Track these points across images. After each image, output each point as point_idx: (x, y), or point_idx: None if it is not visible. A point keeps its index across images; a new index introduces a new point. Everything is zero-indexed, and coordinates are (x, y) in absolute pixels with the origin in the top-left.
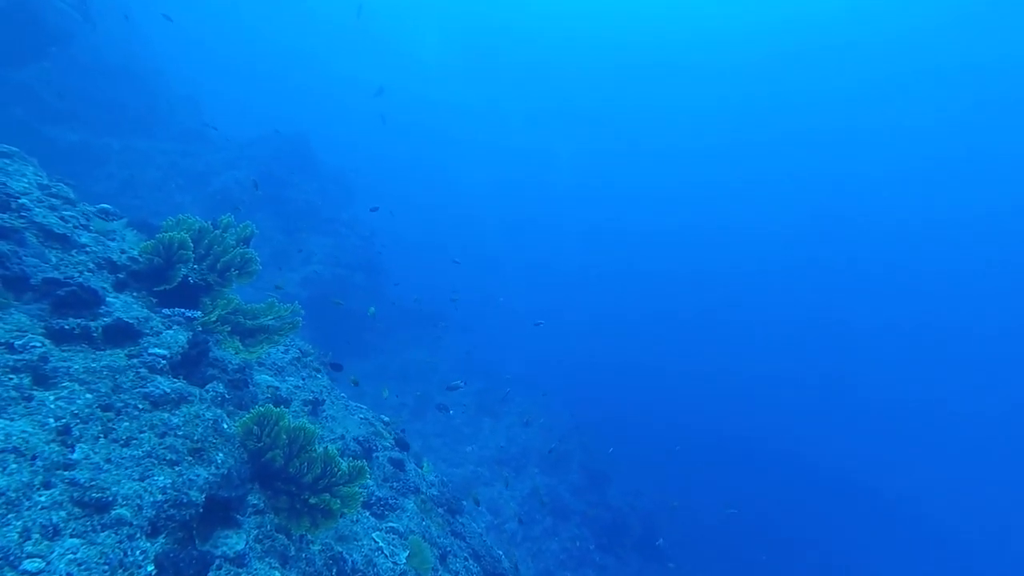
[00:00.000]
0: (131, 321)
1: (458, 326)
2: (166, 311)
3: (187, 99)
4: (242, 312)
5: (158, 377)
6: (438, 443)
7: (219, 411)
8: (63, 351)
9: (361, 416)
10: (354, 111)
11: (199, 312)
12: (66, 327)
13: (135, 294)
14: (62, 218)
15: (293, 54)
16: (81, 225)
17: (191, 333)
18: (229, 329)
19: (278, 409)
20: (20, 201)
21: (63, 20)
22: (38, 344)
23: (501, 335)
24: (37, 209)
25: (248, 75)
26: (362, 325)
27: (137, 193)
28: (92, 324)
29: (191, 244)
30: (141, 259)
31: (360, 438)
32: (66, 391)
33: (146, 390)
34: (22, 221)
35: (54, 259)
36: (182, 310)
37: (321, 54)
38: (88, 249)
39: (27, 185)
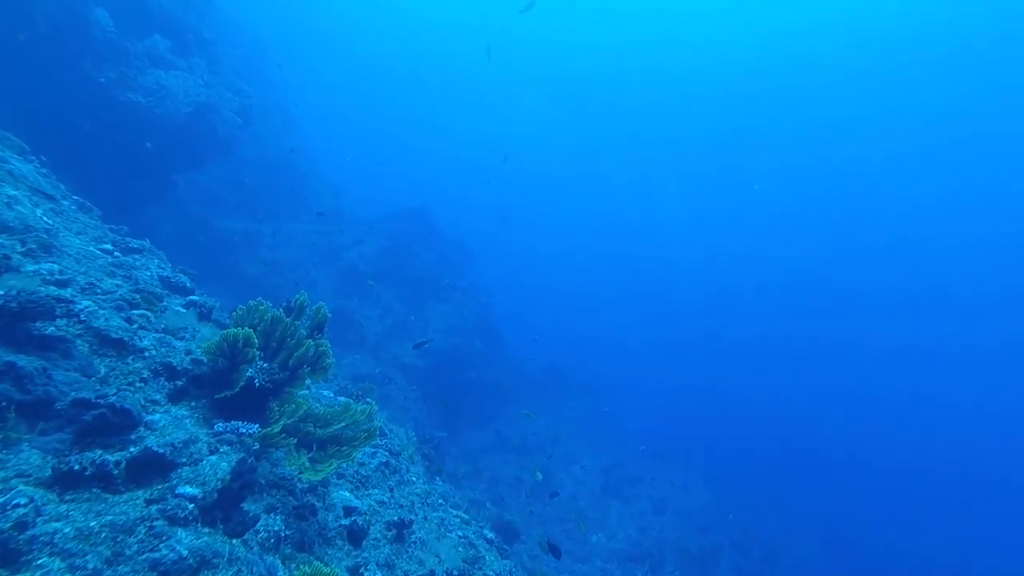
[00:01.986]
0: (162, 451)
1: (583, 389)
2: (219, 426)
3: (329, 183)
4: (312, 418)
5: (178, 531)
6: (560, 531)
7: (271, 560)
8: (64, 503)
9: (459, 535)
10: (472, 165)
11: (256, 426)
12: (76, 468)
13: (193, 404)
14: (128, 319)
15: (413, 116)
16: (147, 326)
17: (240, 456)
18: (296, 441)
19: None
20: (80, 306)
21: (230, 127)
22: (23, 501)
23: (630, 397)
24: (101, 311)
25: (377, 142)
26: (480, 393)
27: (280, 272)
28: (112, 459)
29: (256, 340)
30: (205, 360)
31: (455, 573)
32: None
33: (156, 555)
34: (78, 328)
35: (103, 370)
36: (238, 424)
37: (438, 115)
38: (147, 354)
39: (149, 276)
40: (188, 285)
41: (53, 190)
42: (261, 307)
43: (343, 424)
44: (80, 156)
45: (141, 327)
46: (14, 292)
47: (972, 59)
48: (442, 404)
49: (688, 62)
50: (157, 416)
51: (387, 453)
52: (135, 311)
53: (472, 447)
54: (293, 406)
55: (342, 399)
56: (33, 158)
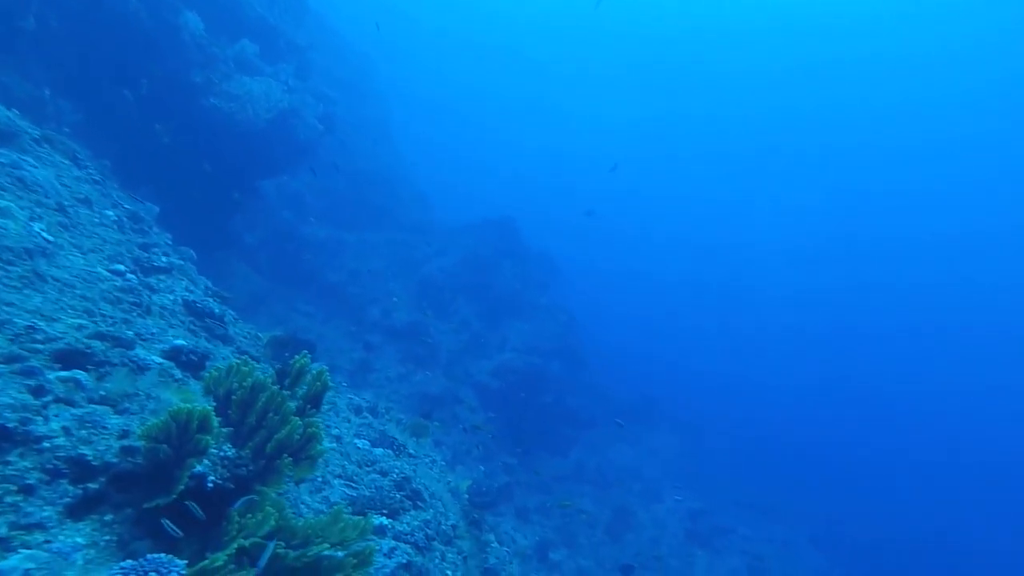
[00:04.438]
0: None
1: (672, 423)
2: (127, 565)
3: (418, 195)
4: (288, 531)
5: None
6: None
7: None
8: None
9: None
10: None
11: (184, 562)
12: None
13: (107, 519)
14: (39, 388)
15: (504, 137)
16: (70, 397)
17: None
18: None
19: None
20: None
21: (311, 133)
22: None
23: (729, 432)
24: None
25: (465, 157)
26: (556, 419)
27: (360, 282)
28: None
29: (215, 423)
30: (142, 448)
31: None
32: None
33: None
34: None
35: None
36: (159, 559)
37: (524, 135)
38: (48, 443)
39: (169, 302)
40: (216, 312)
41: (77, 199)
42: (244, 368)
43: (329, 545)
44: (161, 163)
45: (58, 400)
46: None
47: None
48: (511, 430)
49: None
50: (16, 559)
51: (411, 550)
52: (61, 373)
53: (546, 475)
54: (260, 516)
55: (336, 507)
56: (88, 164)
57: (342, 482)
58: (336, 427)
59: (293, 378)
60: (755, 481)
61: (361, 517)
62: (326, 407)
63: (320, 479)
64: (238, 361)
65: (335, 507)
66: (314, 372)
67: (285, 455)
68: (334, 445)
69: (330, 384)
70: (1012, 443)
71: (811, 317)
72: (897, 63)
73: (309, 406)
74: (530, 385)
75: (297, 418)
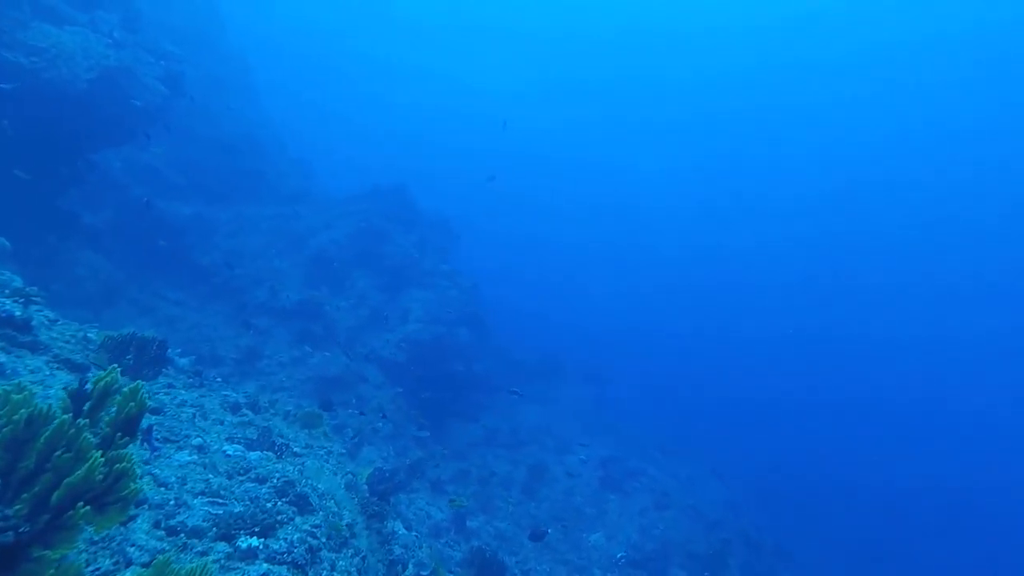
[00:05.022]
0: None
1: (579, 379)
2: None
3: (297, 162)
4: None
5: None
6: (555, 533)
7: None
8: None
9: None
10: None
11: None
12: None
13: None
14: None
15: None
16: None
17: None
18: None
19: None
20: None
21: (153, 97)
22: None
23: (629, 388)
24: None
25: (351, 127)
26: (467, 387)
27: (240, 262)
28: None
29: None
30: None
31: None
32: None
33: None
34: None
35: None
36: None
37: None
38: None
39: None
40: (16, 316)
41: None
42: (15, 396)
43: None
44: None
45: None
46: None
47: None
48: (420, 402)
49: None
50: None
51: (286, 572)
52: None
53: (460, 443)
54: None
55: (161, 558)
56: None
57: (204, 500)
58: (199, 435)
59: (96, 401)
60: (660, 425)
61: (198, 564)
62: (189, 412)
63: (172, 503)
64: (8, 387)
65: (160, 558)
66: (126, 391)
67: (80, 503)
68: (194, 458)
69: (148, 403)
70: (882, 374)
71: (706, 272)
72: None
73: (119, 434)
74: (437, 355)
75: (98, 452)
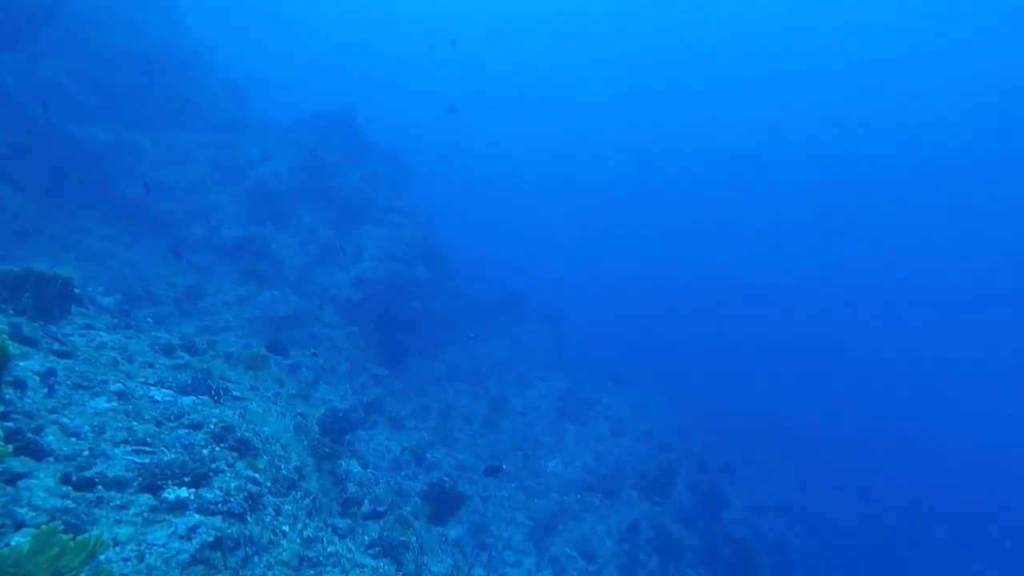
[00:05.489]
0: None
1: (538, 315)
2: None
3: (228, 85)
4: None
5: None
6: (515, 461)
7: None
8: None
9: None
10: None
11: None
12: None
13: None
14: None
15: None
16: None
17: None
18: None
19: None
20: None
21: None
22: None
23: (590, 319)
24: None
25: (288, 59)
26: (427, 324)
27: (172, 195)
28: None
29: None
30: None
31: None
32: None
33: None
34: None
35: None
36: None
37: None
38: None
39: None
40: None
41: None
42: None
43: None
44: None
45: None
46: None
47: None
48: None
49: None
50: None
51: (222, 522)
52: None
53: (420, 380)
54: None
55: (48, 527)
56: None
57: (128, 449)
58: (121, 380)
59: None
60: (616, 359)
61: (86, 536)
62: (110, 356)
63: (86, 454)
64: None
65: (47, 526)
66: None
67: None
68: (114, 405)
69: (11, 350)
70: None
71: (659, 215)
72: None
73: None
74: (395, 293)
75: None
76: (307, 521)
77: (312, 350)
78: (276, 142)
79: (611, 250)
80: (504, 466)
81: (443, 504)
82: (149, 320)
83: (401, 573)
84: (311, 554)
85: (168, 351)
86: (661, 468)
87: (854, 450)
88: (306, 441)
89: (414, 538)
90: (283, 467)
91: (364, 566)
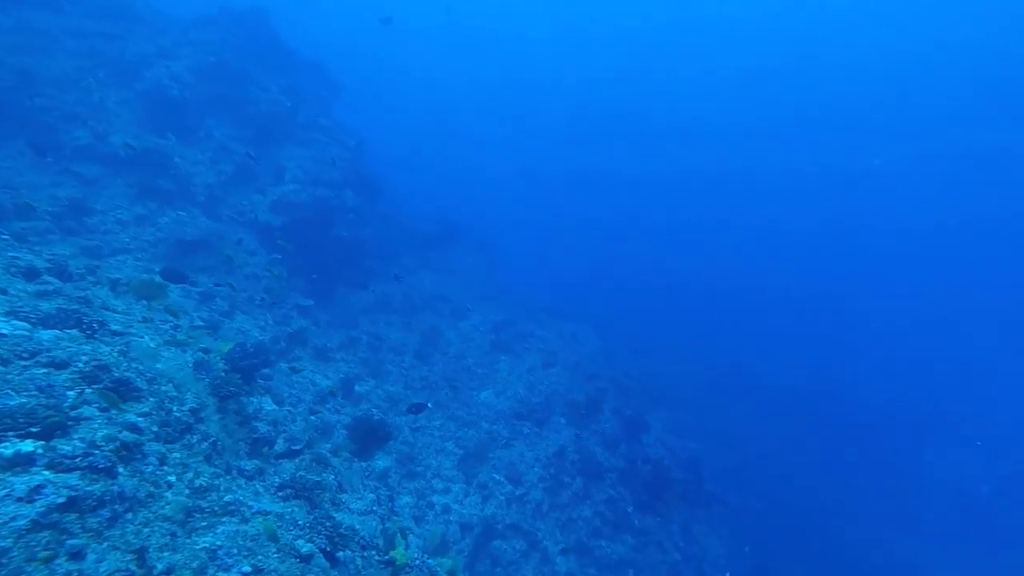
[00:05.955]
0: None
1: (475, 245)
2: None
3: None
4: None
5: None
6: (446, 393)
7: None
8: None
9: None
10: None
11: None
12: None
13: None
14: None
15: None
16: None
17: None
18: None
19: None
20: None
21: None
22: None
23: (525, 254)
24: None
25: None
26: (358, 251)
27: (41, 91)
28: None
29: None
30: None
31: None
32: None
33: None
34: None
35: None
36: None
37: None
38: None
39: None
40: None
41: None
42: None
43: None
44: None
45: None
46: None
47: None
48: (302, 269)
49: None
50: None
51: (80, 479)
52: None
53: (349, 312)
54: None
55: None
56: None
57: None
58: None
59: None
60: (552, 292)
61: None
62: None
63: None
64: None
65: None
66: None
67: None
68: None
69: None
70: None
71: (588, 157)
72: None
73: None
74: (322, 219)
75: None
76: (201, 468)
77: (226, 279)
78: (175, 39)
79: (548, 189)
80: (429, 404)
81: (370, 438)
82: (6, 237)
83: (314, 515)
84: (204, 504)
85: (31, 275)
86: (589, 396)
87: (779, 389)
88: (207, 380)
89: (331, 476)
90: (175, 409)
91: (268, 513)
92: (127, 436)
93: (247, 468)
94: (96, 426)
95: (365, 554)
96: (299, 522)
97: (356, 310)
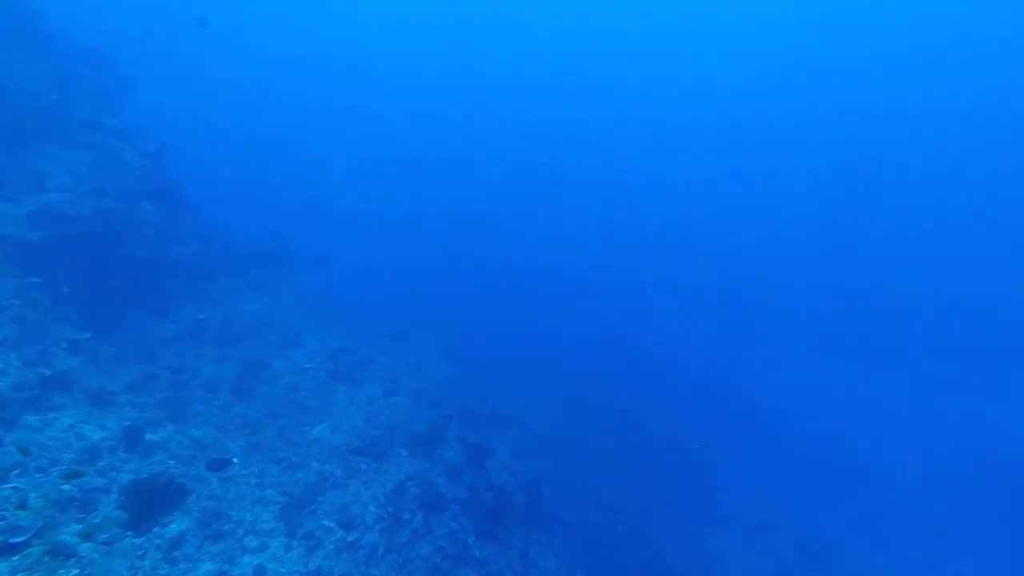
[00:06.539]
0: None
1: (313, 262)
2: None
3: None
4: None
5: None
6: (272, 432)
7: None
8: None
9: None
10: None
11: None
12: None
13: None
14: None
15: None
16: None
17: None
18: None
19: None
20: None
21: None
22: None
23: (367, 272)
24: None
25: None
26: (159, 273)
27: None
28: None
29: None
30: None
31: None
32: None
33: None
34: None
35: None
36: None
37: None
38: None
39: None
40: None
41: None
42: None
43: None
44: None
45: None
46: None
47: None
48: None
49: None
50: None
51: None
52: None
53: (147, 344)
54: None
55: None
56: None
57: None
58: None
59: None
60: (391, 312)
61: None
62: None
63: None
64: None
65: None
66: None
67: None
68: None
69: None
70: None
71: (432, 145)
72: None
73: None
74: (108, 236)
75: None
76: None
77: None
78: None
79: (386, 178)
80: (235, 459)
81: (154, 500)
82: None
83: None
84: None
85: None
86: (432, 425)
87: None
88: None
89: (75, 570)
90: None
91: None
92: None
93: None
94: None
95: None
96: None
97: (156, 342)
